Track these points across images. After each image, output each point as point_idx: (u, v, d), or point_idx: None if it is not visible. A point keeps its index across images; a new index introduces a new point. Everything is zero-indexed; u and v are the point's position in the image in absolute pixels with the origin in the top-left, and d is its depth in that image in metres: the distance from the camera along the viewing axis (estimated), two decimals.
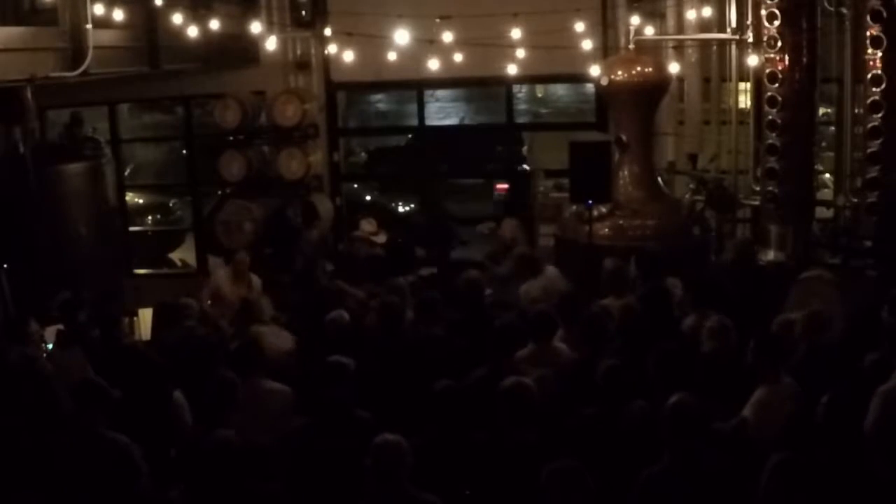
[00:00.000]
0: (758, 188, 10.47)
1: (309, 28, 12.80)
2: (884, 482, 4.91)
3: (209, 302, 9.70)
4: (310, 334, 7.85)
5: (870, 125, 9.36)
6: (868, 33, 9.21)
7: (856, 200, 9.78)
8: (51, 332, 7.83)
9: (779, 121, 9.77)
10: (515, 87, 14.54)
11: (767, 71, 9.79)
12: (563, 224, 11.28)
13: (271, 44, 11.95)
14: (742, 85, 11.08)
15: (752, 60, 10.37)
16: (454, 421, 5.48)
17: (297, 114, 12.58)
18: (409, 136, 18.03)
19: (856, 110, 9.83)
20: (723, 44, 11.18)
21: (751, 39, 10.32)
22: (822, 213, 10.49)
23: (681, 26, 11.69)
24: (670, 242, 10.01)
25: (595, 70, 11.06)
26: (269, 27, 12.03)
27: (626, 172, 10.99)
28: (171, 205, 17.87)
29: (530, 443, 5.29)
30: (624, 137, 10.94)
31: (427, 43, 10.71)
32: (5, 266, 9.47)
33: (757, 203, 10.57)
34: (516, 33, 10.60)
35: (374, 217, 12.73)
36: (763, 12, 9.75)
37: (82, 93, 11.85)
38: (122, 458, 5.48)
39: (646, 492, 4.85)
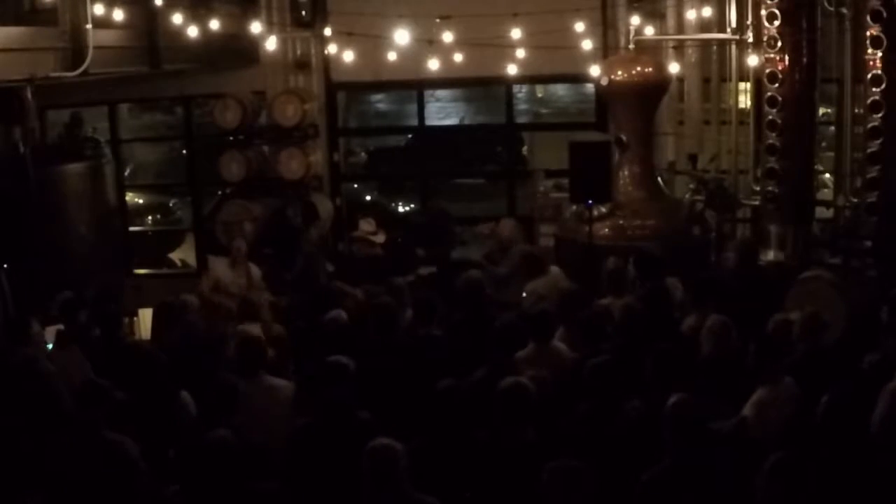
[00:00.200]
0: (758, 188, 10.46)
1: (309, 28, 12.77)
2: (885, 482, 4.90)
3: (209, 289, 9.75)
4: (309, 334, 7.85)
5: (870, 125, 9.34)
6: (868, 33, 9.19)
7: (856, 200, 9.76)
8: (51, 332, 7.82)
9: (779, 121, 9.76)
10: (515, 87, 14.50)
11: (767, 71, 9.78)
12: (563, 224, 11.29)
13: (271, 44, 11.96)
14: (742, 85, 11.07)
15: (752, 60, 10.36)
16: (455, 421, 5.47)
17: (297, 114, 12.56)
18: (409, 136, 17.98)
19: (856, 110, 9.80)
20: (723, 44, 11.17)
21: (751, 39, 10.31)
22: (822, 213, 10.47)
23: (681, 26, 11.69)
24: (670, 242, 10.01)
25: (595, 70, 11.07)
26: (269, 27, 12.03)
27: (626, 172, 10.99)
28: (171, 205, 17.81)
29: (529, 443, 5.29)
30: (624, 137, 10.94)
31: (427, 43, 10.72)
32: (5, 266, 9.46)
33: (757, 203, 10.56)
34: (516, 33, 10.61)
35: (374, 217, 12.73)
36: (763, 12, 9.74)
37: (82, 93, 11.87)
38: (122, 458, 5.47)
39: (646, 493, 4.84)
